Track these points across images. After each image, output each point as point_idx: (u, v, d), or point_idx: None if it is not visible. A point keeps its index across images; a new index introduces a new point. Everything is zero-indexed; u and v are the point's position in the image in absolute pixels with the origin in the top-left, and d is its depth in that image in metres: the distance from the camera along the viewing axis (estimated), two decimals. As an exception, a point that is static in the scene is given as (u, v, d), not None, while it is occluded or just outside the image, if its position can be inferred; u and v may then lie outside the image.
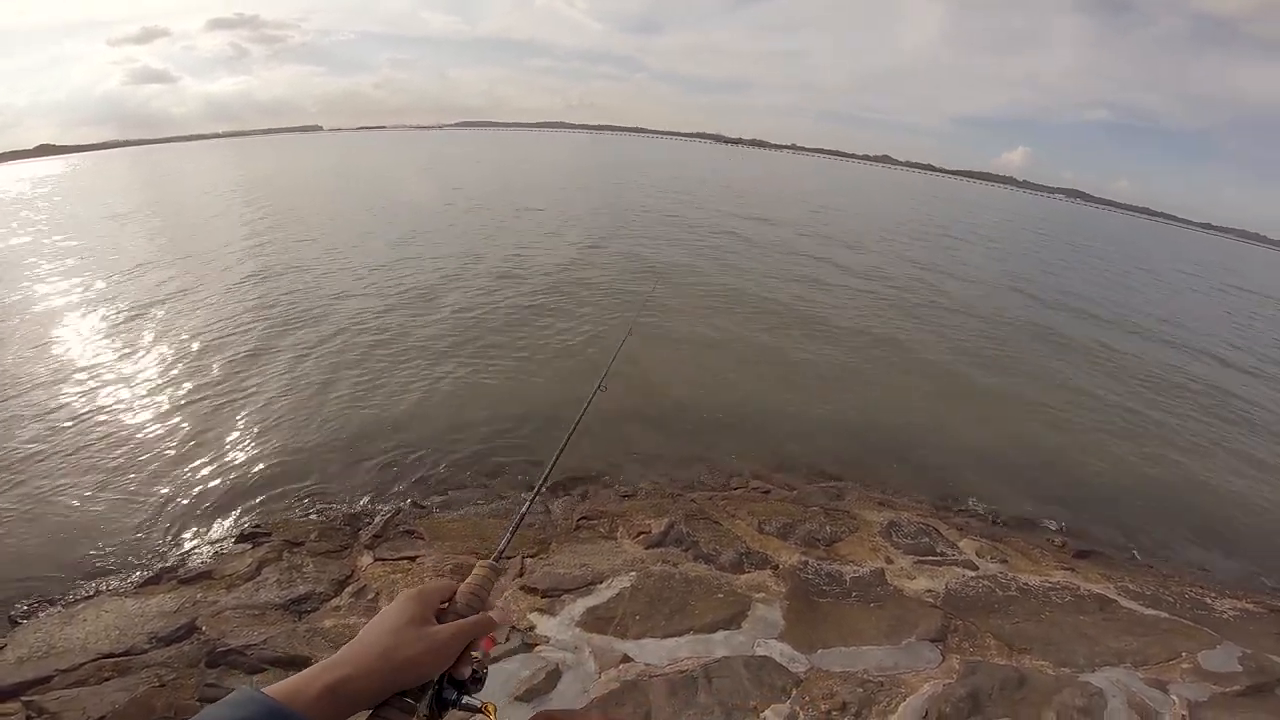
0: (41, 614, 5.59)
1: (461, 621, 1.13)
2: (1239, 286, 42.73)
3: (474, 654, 1.12)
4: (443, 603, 1.17)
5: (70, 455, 8.27)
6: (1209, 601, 6.63)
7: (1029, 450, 10.17)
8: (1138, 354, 17.02)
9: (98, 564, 6.36)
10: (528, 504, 1.38)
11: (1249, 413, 14.00)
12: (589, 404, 1.48)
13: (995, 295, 21.98)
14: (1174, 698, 5.03)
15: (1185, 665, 5.45)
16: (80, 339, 12.64)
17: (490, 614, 1.19)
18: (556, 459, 1.40)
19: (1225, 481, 10.22)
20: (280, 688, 0.90)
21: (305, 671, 0.94)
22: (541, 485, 1.37)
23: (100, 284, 16.70)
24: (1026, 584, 6.41)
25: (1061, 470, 9.64)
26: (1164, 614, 6.22)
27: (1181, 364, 16.76)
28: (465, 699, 1.09)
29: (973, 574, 6.50)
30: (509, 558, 6.06)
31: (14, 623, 5.47)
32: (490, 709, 1.11)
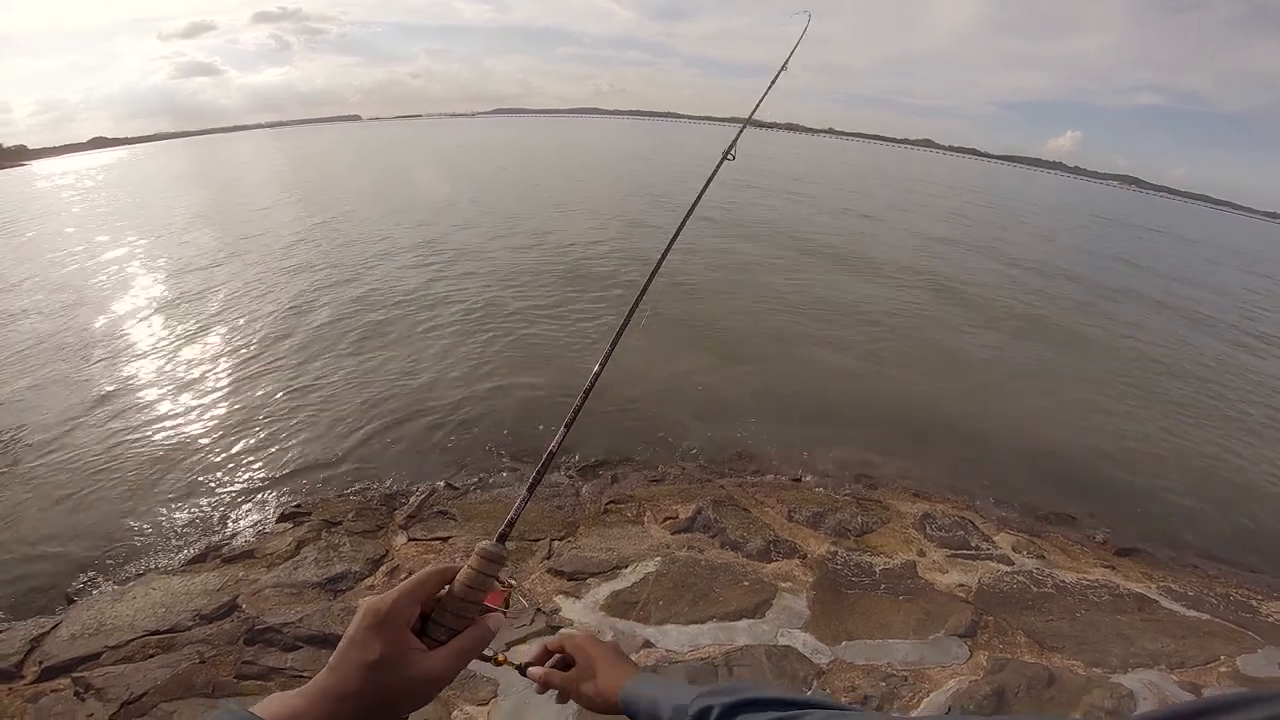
0: (94, 591, 5.71)
1: (450, 649, 0.93)
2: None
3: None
4: (424, 612, 0.95)
5: (123, 435, 8.51)
6: (1254, 604, 6.17)
7: (1073, 443, 9.63)
8: (1202, 349, 16.11)
9: (148, 542, 6.46)
10: (533, 478, 1.17)
11: None
12: (595, 379, 1.25)
13: (1051, 281, 21.07)
14: (1207, 702, 4.64)
15: (1223, 669, 5.07)
16: (139, 326, 13.02)
17: (488, 621, 0.99)
18: (566, 430, 1.27)
19: (1273, 475, 9.59)
20: (267, 710, 0.79)
21: (292, 695, 0.82)
22: (543, 467, 1.20)
23: (159, 271, 17.35)
24: (1063, 581, 6.06)
25: (1107, 464, 9.10)
26: (1205, 615, 5.80)
27: (1249, 362, 15.81)
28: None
29: (1007, 569, 6.16)
30: (534, 539, 5.91)
31: (70, 600, 5.58)
32: (500, 658, 1.12)
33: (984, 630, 5.30)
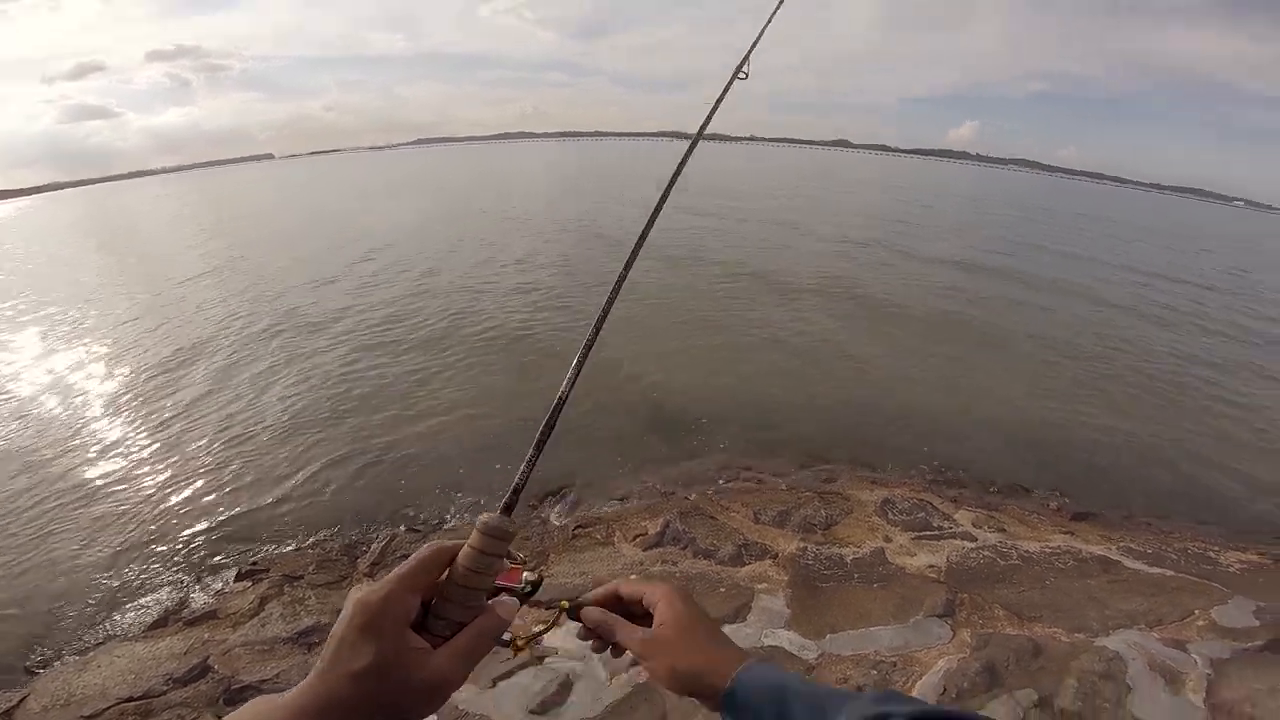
0: (56, 664, 5.41)
1: (455, 646, 0.76)
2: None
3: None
4: (424, 600, 0.78)
5: (60, 502, 7.94)
6: (1213, 555, 6.31)
7: (1011, 415, 9.85)
8: (1117, 323, 16.67)
9: (100, 611, 6.08)
10: (539, 433, 0.94)
11: (1215, 355, 14.01)
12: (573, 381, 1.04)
13: (970, 271, 21.54)
14: (1195, 657, 4.70)
15: (1200, 623, 5.12)
16: (54, 385, 12.26)
17: (498, 608, 0.81)
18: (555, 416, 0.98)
19: (1210, 430, 10.00)
20: None
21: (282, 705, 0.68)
22: (550, 419, 0.96)
23: (69, 329, 16.31)
24: (1027, 551, 6.09)
25: (1046, 432, 9.33)
26: (1169, 572, 5.90)
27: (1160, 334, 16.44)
28: None
29: (972, 545, 6.18)
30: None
31: (31, 673, 5.28)
32: (519, 641, 0.89)
33: (961, 608, 5.27)
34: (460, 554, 0.80)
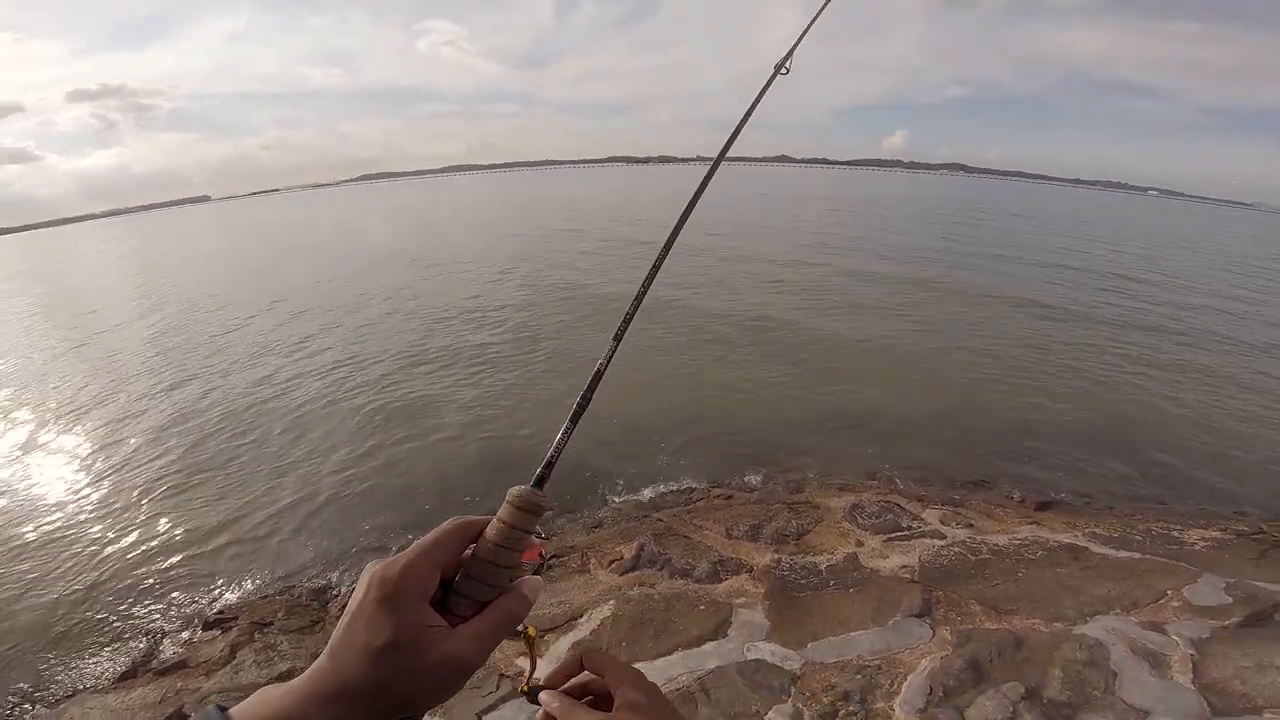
0: (26, 717, 5.30)
1: (479, 626, 0.69)
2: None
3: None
4: (466, 549, 0.72)
5: (15, 558, 7.71)
6: (1176, 535, 6.40)
7: (964, 411, 10.03)
8: (1038, 311, 17.13)
9: (69, 663, 5.94)
10: (577, 404, 0.88)
11: (1153, 339, 14.44)
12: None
13: (917, 276, 22.02)
14: (1175, 638, 4.69)
15: (1175, 604, 5.14)
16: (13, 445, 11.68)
17: (524, 587, 0.73)
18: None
19: (1155, 408, 10.32)
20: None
21: (275, 694, 0.62)
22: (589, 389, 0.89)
23: (18, 383, 15.64)
24: (996, 544, 6.10)
25: (1000, 425, 9.51)
26: (1137, 554, 5.96)
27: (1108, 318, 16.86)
28: None
29: (942, 543, 6.17)
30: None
31: None
32: (531, 631, 0.76)
33: (938, 606, 5.23)
34: (488, 528, 0.73)
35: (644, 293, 1.00)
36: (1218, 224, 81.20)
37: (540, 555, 0.78)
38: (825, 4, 1.83)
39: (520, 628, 0.75)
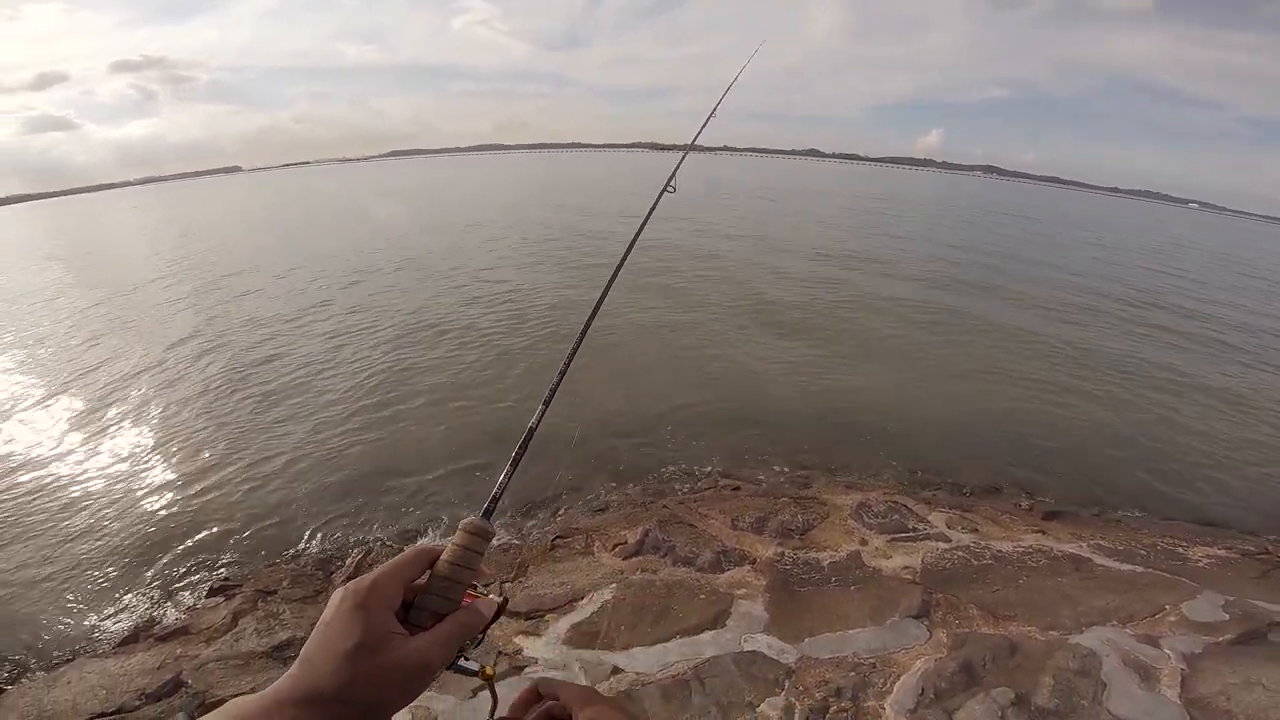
0: (24, 679, 5.27)
1: (437, 632, 0.78)
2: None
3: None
4: (416, 580, 0.82)
5: (20, 519, 7.73)
6: (1181, 551, 6.36)
7: (981, 416, 9.95)
8: (1090, 327, 16.84)
9: (68, 628, 5.94)
10: (515, 453, 1.06)
11: (1178, 355, 14.09)
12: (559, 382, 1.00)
13: (929, 271, 21.79)
14: (1168, 652, 4.70)
15: (1172, 618, 5.14)
16: (22, 405, 11.80)
17: (478, 604, 0.84)
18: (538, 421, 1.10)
19: (1174, 425, 10.18)
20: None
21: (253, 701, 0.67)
22: (525, 442, 1.08)
23: (43, 346, 15.77)
24: (1000, 551, 6.10)
25: (1015, 433, 9.41)
26: (1139, 568, 5.93)
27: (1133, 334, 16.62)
28: (460, 662, 0.82)
29: (946, 546, 6.17)
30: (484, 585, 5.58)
31: None
32: (489, 671, 0.86)
33: (937, 608, 5.26)
34: (444, 552, 0.83)
35: (573, 354, 1.07)
36: (1267, 241, 78.97)
37: (500, 606, 0.87)
38: (712, 115, 1.90)
39: (477, 667, 0.84)
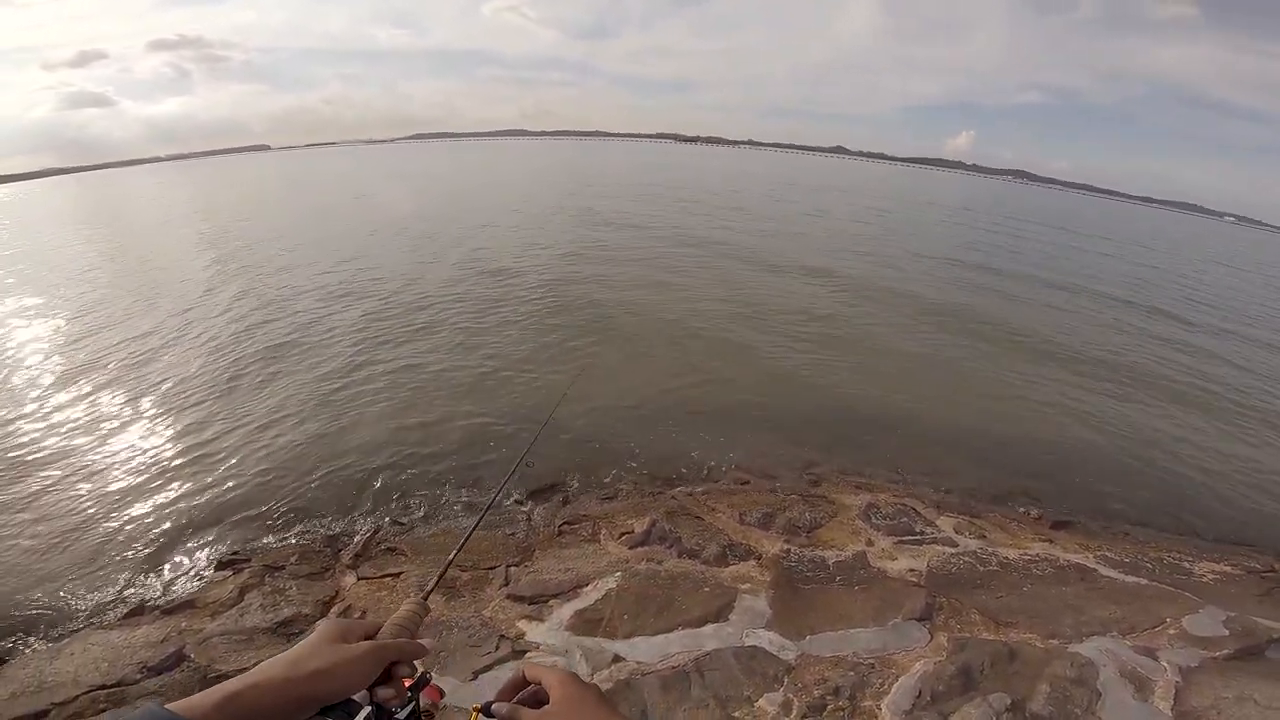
0: (26, 650, 5.23)
1: (381, 640, 1.03)
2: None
3: (403, 676, 1.02)
4: (366, 637, 1.03)
5: (35, 492, 7.72)
6: (1187, 566, 6.33)
7: (997, 424, 9.89)
8: (1113, 332, 16.75)
9: (75, 600, 5.92)
10: (471, 529, 1.27)
11: (1204, 370, 13.98)
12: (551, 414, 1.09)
13: (949, 278, 21.57)
14: (1165, 664, 4.72)
15: (1171, 631, 5.15)
16: (43, 373, 11.90)
17: (420, 641, 1.09)
18: (514, 470, 1.11)
19: (1189, 442, 10.04)
20: (182, 703, 0.79)
21: (212, 687, 0.83)
22: (491, 506, 1.32)
23: (65, 311, 16.01)
24: (1006, 558, 6.11)
25: (1030, 441, 9.36)
26: (1144, 580, 5.92)
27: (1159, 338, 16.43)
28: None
29: (953, 551, 6.19)
30: (489, 567, 5.67)
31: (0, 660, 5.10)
32: (474, 716, 0.99)
33: (940, 612, 5.29)
34: (389, 619, 1.11)
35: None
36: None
37: (439, 692, 1.09)
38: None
39: (467, 707, 1.01)
